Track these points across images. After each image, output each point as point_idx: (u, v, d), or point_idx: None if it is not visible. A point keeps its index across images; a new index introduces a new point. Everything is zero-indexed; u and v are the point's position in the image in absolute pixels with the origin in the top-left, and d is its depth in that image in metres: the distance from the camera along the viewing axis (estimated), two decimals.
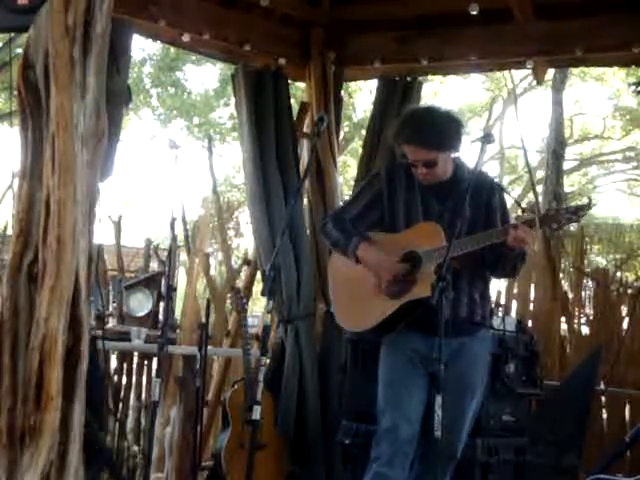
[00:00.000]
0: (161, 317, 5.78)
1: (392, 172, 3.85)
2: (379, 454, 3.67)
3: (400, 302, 3.64)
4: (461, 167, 3.80)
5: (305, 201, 5.68)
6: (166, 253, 6.23)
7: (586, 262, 6.12)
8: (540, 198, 14.60)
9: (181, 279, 6.81)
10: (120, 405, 5.95)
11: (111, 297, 6.81)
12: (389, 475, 3.63)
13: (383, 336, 3.79)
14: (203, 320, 4.93)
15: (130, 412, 6.00)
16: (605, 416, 5.74)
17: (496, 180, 3.89)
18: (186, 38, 5.19)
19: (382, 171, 3.91)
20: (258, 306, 10.64)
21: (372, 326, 3.73)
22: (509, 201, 3.99)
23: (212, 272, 6.62)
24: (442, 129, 3.64)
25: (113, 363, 6.02)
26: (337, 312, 3.91)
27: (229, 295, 6.15)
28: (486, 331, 3.82)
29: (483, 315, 3.77)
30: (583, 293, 6.08)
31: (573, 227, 6.76)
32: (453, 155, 3.76)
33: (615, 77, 18.91)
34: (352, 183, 6.88)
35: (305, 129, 5.72)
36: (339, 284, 3.91)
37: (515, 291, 6.19)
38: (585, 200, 3.55)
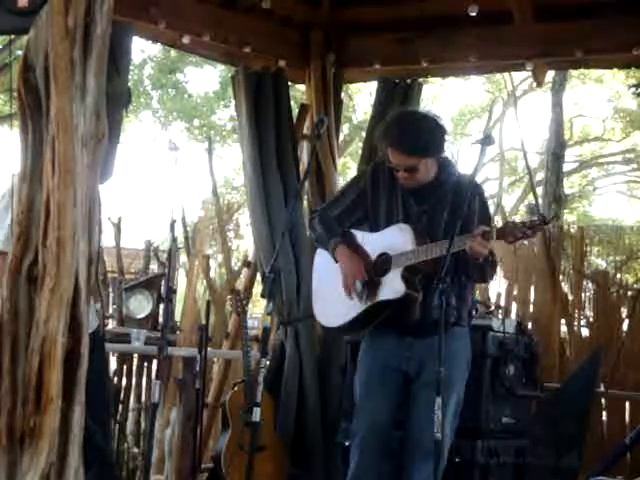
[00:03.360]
0: (161, 319, 5.79)
1: (377, 172, 3.91)
2: (354, 455, 3.80)
3: (368, 304, 3.75)
4: (445, 168, 3.83)
5: (305, 203, 5.68)
6: (166, 255, 6.24)
7: (586, 264, 6.11)
8: (540, 200, 14.61)
9: (181, 281, 6.83)
10: (120, 407, 5.95)
11: (111, 299, 6.82)
12: (369, 472, 3.76)
13: (354, 334, 4.00)
14: (203, 322, 4.94)
15: (130, 414, 6.00)
16: (605, 418, 5.73)
17: (480, 184, 3.95)
18: (186, 40, 5.19)
19: (367, 170, 4.00)
20: (258, 308, 10.64)
21: (342, 324, 3.89)
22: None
23: (212, 274, 6.63)
24: (424, 136, 3.68)
25: (113, 365, 6.02)
26: (315, 305, 4.03)
27: (229, 297, 6.15)
28: (462, 329, 3.85)
29: (459, 316, 3.81)
30: (583, 295, 6.07)
31: (573, 229, 6.76)
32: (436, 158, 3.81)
33: (615, 79, 18.92)
34: None
35: (305, 131, 5.72)
36: (319, 279, 4.02)
37: (515, 293, 6.19)
38: (540, 217, 3.53)
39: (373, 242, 3.82)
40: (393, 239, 3.75)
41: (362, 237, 3.87)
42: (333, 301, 3.89)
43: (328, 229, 3.90)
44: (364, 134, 6.67)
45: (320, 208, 4.21)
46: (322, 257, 4.00)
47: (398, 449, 3.80)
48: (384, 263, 3.72)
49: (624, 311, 5.92)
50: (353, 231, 3.91)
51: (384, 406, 3.79)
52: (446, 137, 3.78)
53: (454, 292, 3.76)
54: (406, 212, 3.80)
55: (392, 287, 3.66)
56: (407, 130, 3.69)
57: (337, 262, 3.84)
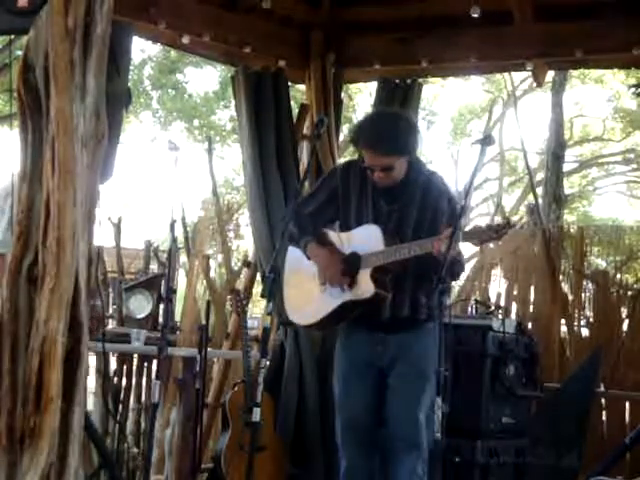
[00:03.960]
0: (161, 319, 5.78)
1: (347, 171, 3.94)
2: (342, 448, 3.87)
3: (338, 302, 3.79)
4: (415, 168, 3.86)
5: None
6: (166, 255, 6.23)
7: (586, 264, 6.12)
8: (540, 200, 14.61)
9: (181, 281, 6.81)
10: (120, 407, 5.94)
11: (111, 299, 6.81)
12: (356, 467, 3.82)
13: (327, 330, 4.12)
14: (203, 322, 4.94)
15: (130, 414, 6.00)
16: (605, 418, 5.73)
17: (448, 185, 4.02)
18: (186, 40, 5.18)
19: (338, 168, 4.04)
20: (258, 308, 10.64)
21: (314, 322, 3.94)
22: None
23: (212, 274, 6.62)
24: (400, 135, 3.72)
25: (113, 365, 6.02)
26: (286, 304, 4.08)
27: (229, 297, 6.15)
28: (432, 325, 3.84)
29: (429, 314, 3.83)
30: (583, 295, 6.07)
31: (573, 229, 6.76)
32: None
33: (615, 79, 18.92)
34: None
35: (305, 131, 5.72)
36: (290, 277, 4.05)
37: (515, 293, 6.19)
38: (505, 220, 3.59)
39: (344, 240, 3.86)
40: (363, 239, 3.79)
41: (335, 235, 3.92)
42: (305, 300, 3.95)
43: (300, 227, 3.91)
44: None
45: (293, 206, 4.23)
46: (293, 255, 4.03)
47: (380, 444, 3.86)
48: (354, 262, 3.76)
49: (624, 311, 5.92)
50: (325, 230, 3.95)
51: (361, 402, 3.84)
52: (419, 136, 3.82)
53: (424, 290, 3.81)
54: (376, 212, 3.84)
55: (362, 287, 3.72)
56: (382, 130, 3.73)
57: (309, 259, 3.88)
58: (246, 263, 6.04)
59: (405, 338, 3.79)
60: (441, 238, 3.50)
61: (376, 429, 3.85)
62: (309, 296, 3.92)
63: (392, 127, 3.73)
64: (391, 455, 3.79)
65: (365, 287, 3.71)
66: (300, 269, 3.97)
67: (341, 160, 5.68)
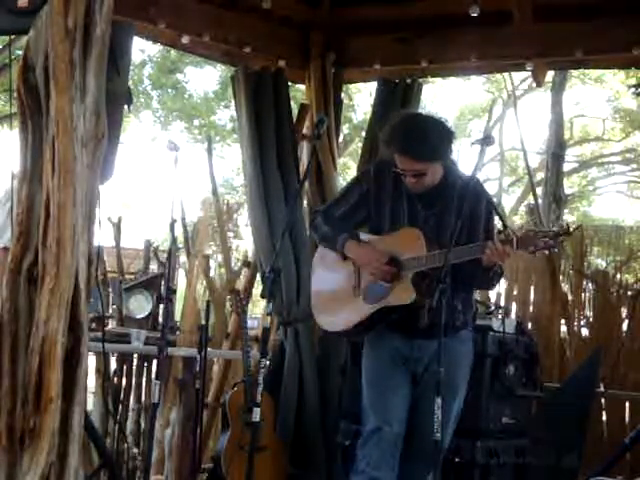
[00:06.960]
0: (161, 319, 5.79)
1: (381, 172, 3.80)
2: (366, 456, 3.71)
3: (376, 307, 3.66)
4: (451, 172, 3.75)
5: (305, 203, 5.68)
6: (166, 255, 6.23)
7: (586, 264, 6.12)
8: (540, 200, 14.62)
9: (181, 281, 6.81)
10: (120, 407, 5.94)
11: (111, 299, 6.81)
12: (378, 477, 3.66)
13: (358, 337, 3.87)
14: (203, 322, 4.94)
15: (130, 414, 5.99)
16: (605, 418, 5.73)
17: (485, 188, 3.88)
18: (186, 40, 5.19)
19: (371, 170, 3.88)
20: (258, 308, 10.64)
21: (347, 328, 3.78)
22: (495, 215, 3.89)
23: (212, 274, 6.62)
24: (433, 141, 3.58)
25: (113, 365, 6.02)
26: (315, 310, 3.92)
27: (229, 297, 6.15)
28: (468, 333, 3.81)
29: (464, 321, 3.77)
30: (583, 295, 6.07)
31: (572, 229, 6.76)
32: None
33: (615, 79, 18.92)
34: None
35: (305, 131, 5.72)
36: (319, 283, 3.92)
37: (515, 293, 6.19)
38: (564, 226, 3.41)
39: (380, 244, 3.72)
40: (401, 242, 3.65)
41: (368, 238, 3.78)
42: (337, 305, 3.80)
43: (333, 227, 3.79)
44: (364, 134, 6.67)
45: (322, 208, 4.11)
46: (321, 259, 3.92)
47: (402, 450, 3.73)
48: (395, 265, 3.64)
49: (624, 311, 5.92)
50: (358, 232, 3.81)
51: (400, 405, 3.70)
52: (453, 141, 3.67)
53: (460, 298, 3.72)
54: (412, 216, 3.71)
55: (402, 292, 3.59)
56: (415, 135, 3.58)
57: (346, 259, 3.74)
58: (246, 263, 6.04)
59: (438, 346, 3.50)
60: (494, 245, 3.38)
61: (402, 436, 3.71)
62: (340, 301, 3.77)
63: (424, 132, 3.58)
64: (407, 460, 3.69)
65: (406, 292, 3.57)
66: (330, 272, 3.84)
67: (341, 160, 5.67)
